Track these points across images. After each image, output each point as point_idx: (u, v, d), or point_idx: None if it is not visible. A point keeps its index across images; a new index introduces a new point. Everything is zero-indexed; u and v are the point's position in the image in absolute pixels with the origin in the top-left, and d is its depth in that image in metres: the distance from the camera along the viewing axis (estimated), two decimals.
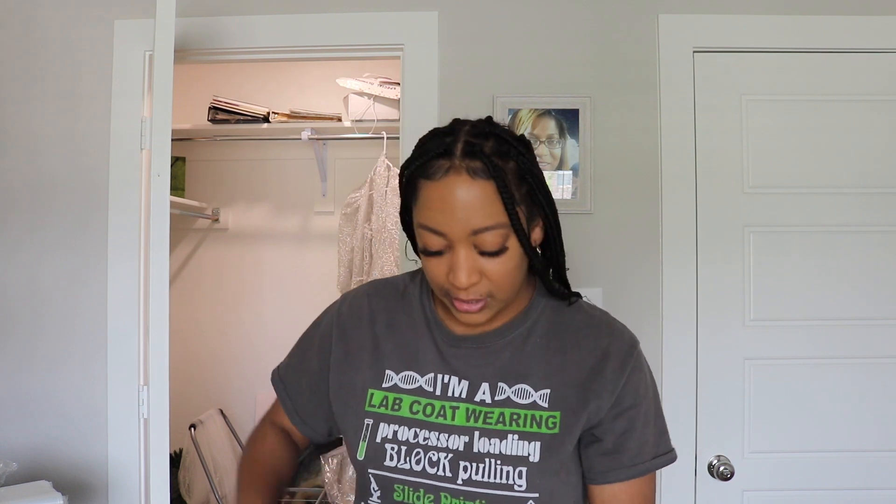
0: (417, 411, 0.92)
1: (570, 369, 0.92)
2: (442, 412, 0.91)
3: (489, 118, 0.92)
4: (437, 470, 0.88)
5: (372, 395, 0.95)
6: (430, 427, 0.91)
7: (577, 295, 1.01)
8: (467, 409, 0.91)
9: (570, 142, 1.72)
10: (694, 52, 1.73)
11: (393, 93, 2.71)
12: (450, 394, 0.92)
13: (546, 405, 0.90)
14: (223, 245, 3.13)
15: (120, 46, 1.76)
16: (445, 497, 0.88)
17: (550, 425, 0.89)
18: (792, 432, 1.70)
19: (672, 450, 0.96)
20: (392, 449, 0.91)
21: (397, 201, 2.28)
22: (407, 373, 0.95)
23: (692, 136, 1.72)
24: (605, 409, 0.90)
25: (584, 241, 1.72)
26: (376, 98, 2.75)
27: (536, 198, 0.88)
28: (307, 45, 1.78)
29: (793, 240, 1.72)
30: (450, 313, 0.96)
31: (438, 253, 0.86)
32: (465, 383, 0.93)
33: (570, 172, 1.73)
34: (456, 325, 0.96)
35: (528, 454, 0.87)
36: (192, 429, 2.70)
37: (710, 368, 1.71)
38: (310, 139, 2.81)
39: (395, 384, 0.95)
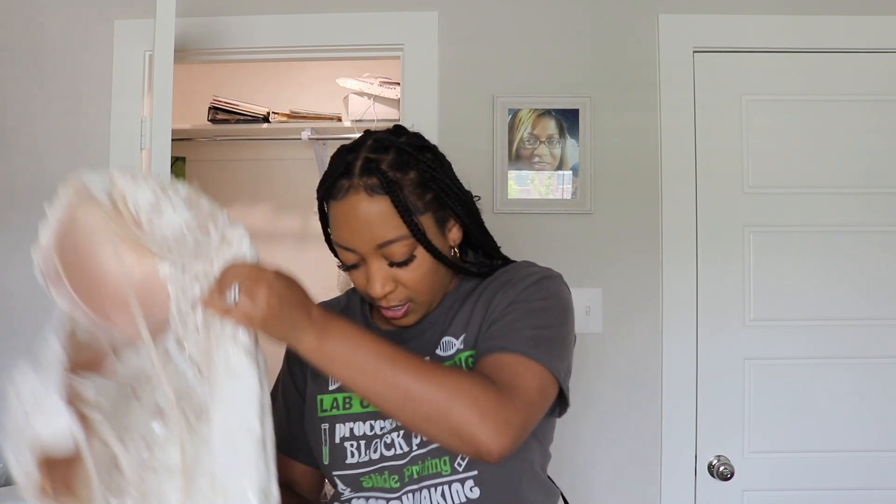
0: (367, 405, 0.93)
1: (479, 305, 0.94)
2: None
3: (397, 127, 0.97)
4: (395, 450, 0.91)
5: (321, 400, 0.98)
6: (382, 416, 0.92)
7: (507, 260, 1.02)
8: None
9: (570, 142, 1.72)
10: (694, 52, 1.73)
11: (393, 93, 2.70)
12: None
13: (463, 346, 0.93)
14: None
15: (120, 46, 1.76)
16: (408, 469, 0.90)
17: (470, 364, 0.91)
18: (792, 432, 1.70)
19: (551, 368, 0.87)
20: (352, 446, 0.93)
21: None
22: None
23: (692, 136, 1.72)
24: (495, 297, 0.92)
25: (584, 241, 1.72)
26: (376, 98, 2.75)
27: (444, 201, 0.91)
28: (307, 45, 1.78)
29: (793, 240, 1.72)
30: (381, 314, 0.98)
31: (355, 266, 0.91)
32: None
33: (570, 172, 1.73)
34: (386, 323, 0.99)
35: None
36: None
37: (710, 368, 1.71)
38: (310, 139, 2.81)
39: (339, 386, 0.97)
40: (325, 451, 0.96)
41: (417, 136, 0.96)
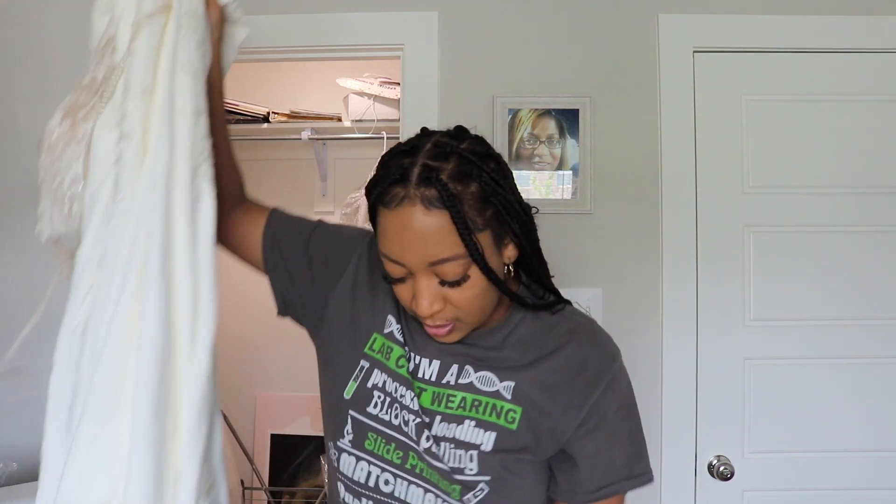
0: (402, 366, 0.92)
1: (541, 369, 0.90)
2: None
3: (458, 128, 0.88)
4: (409, 430, 0.89)
5: (375, 339, 0.95)
6: (408, 385, 0.91)
7: (565, 302, 0.96)
8: (433, 393, 0.91)
9: (570, 142, 1.72)
10: (694, 52, 1.73)
11: (393, 93, 2.70)
12: (419, 375, 0.92)
13: (509, 397, 0.89)
14: None
15: None
16: (412, 457, 0.89)
17: (510, 419, 0.88)
18: (792, 432, 1.71)
19: (647, 472, 0.91)
20: (378, 397, 0.92)
21: None
22: (398, 326, 0.95)
23: (692, 135, 1.72)
24: (573, 427, 0.88)
25: (584, 241, 1.73)
26: (376, 98, 2.75)
27: (504, 218, 0.83)
28: (307, 45, 1.78)
29: (793, 240, 1.72)
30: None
31: (401, 279, 0.85)
32: (436, 364, 0.93)
33: (570, 172, 1.73)
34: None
35: (482, 443, 0.87)
36: None
37: (710, 368, 1.71)
38: (310, 139, 2.81)
39: (392, 332, 0.95)
40: (352, 386, 0.93)
41: (481, 142, 0.87)
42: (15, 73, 1.77)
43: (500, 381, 0.90)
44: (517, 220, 0.85)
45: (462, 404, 0.89)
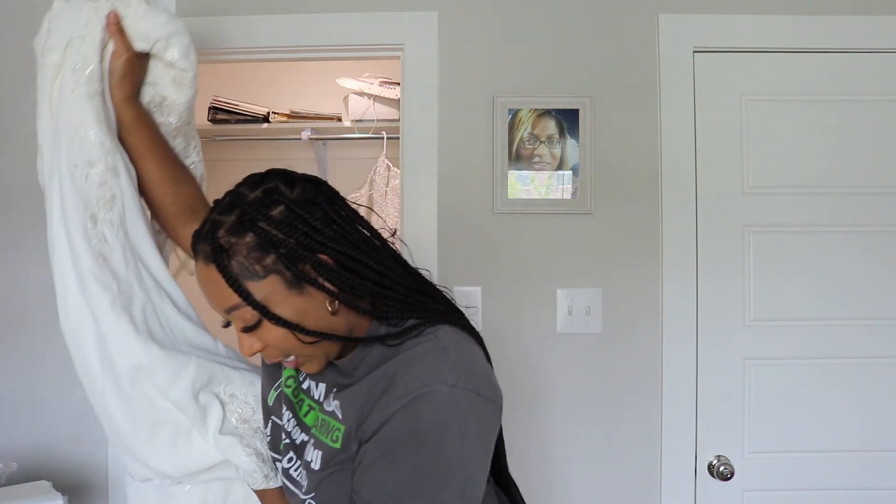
0: (290, 385, 1.02)
1: (362, 385, 0.89)
2: (298, 399, 1.02)
3: (270, 172, 0.89)
4: (280, 446, 1.01)
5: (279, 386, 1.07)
6: (287, 404, 1.01)
7: (423, 322, 0.90)
8: (315, 415, 0.97)
9: (570, 142, 1.72)
10: (694, 52, 1.73)
11: (393, 93, 2.70)
12: (311, 395, 0.99)
13: (340, 416, 0.90)
14: None
15: None
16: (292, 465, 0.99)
17: (334, 438, 0.90)
18: (792, 432, 1.71)
19: None
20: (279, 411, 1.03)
21: (398, 201, 2.28)
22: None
23: (692, 136, 1.72)
24: (368, 434, 0.85)
25: (584, 241, 1.73)
26: (376, 98, 2.75)
27: (294, 262, 0.83)
28: (307, 45, 1.78)
29: (793, 240, 1.72)
30: None
31: (228, 324, 0.91)
32: (322, 386, 0.98)
33: (570, 172, 1.72)
34: None
35: (312, 461, 0.92)
36: None
37: (710, 368, 1.71)
38: (310, 139, 2.81)
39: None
40: (273, 395, 1.05)
41: (273, 189, 0.86)
42: (5, 74, 1.77)
43: (334, 401, 0.92)
44: (310, 260, 0.84)
45: (316, 423, 0.95)
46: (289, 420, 0.99)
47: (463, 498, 0.83)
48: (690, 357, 1.70)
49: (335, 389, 0.94)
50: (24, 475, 1.62)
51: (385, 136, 2.76)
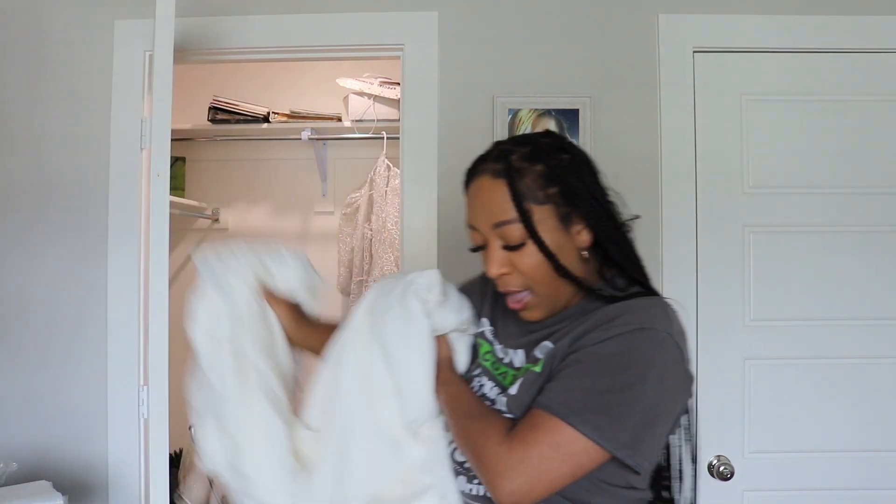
0: (487, 359, 1.05)
1: (576, 326, 0.93)
2: (500, 372, 1.02)
3: (547, 131, 1.05)
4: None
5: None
6: (488, 375, 1.03)
7: (648, 294, 0.97)
8: (512, 376, 0.99)
9: None
10: (694, 52, 1.73)
11: (393, 93, 2.70)
12: (507, 362, 1.02)
13: (547, 350, 0.95)
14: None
15: (120, 46, 1.76)
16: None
17: (539, 368, 0.94)
18: (792, 432, 1.70)
19: (613, 439, 0.84)
20: (473, 382, 1.05)
21: (397, 201, 2.28)
22: (491, 328, 1.09)
23: (692, 135, 1.72)
24: (579, 348, 0.90)
25: None
26: (376, 98, 2.75)
27: (572, 200, 0.93)
28: (307, 45, 1.78)
29: (793, 240, 1.72)
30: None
31: (481, 248, 0.97)
32: (521, 352, 1.00)
33: None
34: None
35: (513, 392, 0.95)
36: (192, 429, 2.70)
37: (710, 368, 1.71)
38: (310, 139, 2.81)
39: (483, 332, 1.09)
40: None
41: (561, 139, 1.01)
42: (7, 73, 1.77)
43: (538, 349, 0.96)
44: (585, 205, 0.94)
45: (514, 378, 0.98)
46: (492, 388, 1.00)
47: (636, 437, 0.85)
48: (690, 357, 1.70)
49: (539, 342, 0.96)
50: (24, 475, 1.62)
51: (385, 136, 2.76)
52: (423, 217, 1.73)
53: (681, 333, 0.91)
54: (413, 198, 1.74)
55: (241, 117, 2.84)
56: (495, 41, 1.75)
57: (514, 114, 1.72)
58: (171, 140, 1.52)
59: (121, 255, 1.73)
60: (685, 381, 0.92)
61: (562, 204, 0.93)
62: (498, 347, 1.05)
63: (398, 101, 2.47)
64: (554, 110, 1.73)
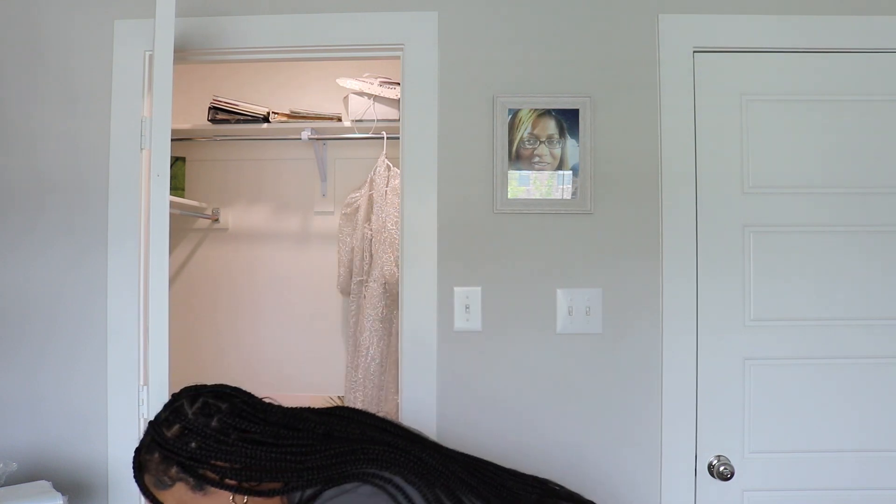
0: None
1: None
2: None
3: (178, 393, 1.11)
4: None
5: None
6: None
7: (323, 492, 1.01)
8: None
9: (570, 142, 1.72)
10: (694, 51, 1.73)
11: (393, 93, 2.71)
12: None
13: None
14: (223, 245, 3.12)
15: (120, 46, 1.76)
16: None
17: None
18: (792, 432, 1.71)
19: None
20: None
21: (398, 201, 2.28)
22: None
23: (692, 135, 1.72)
24: None
25: (584, 241, 1.73)
26: (376, 98, 2.75)
27: (194, 465, 1.01)
28: (307, 45, 1.78)
29: (793, 240, 1.72)
30: None
31: None
32: None
33: (570, 172, 1.72)
34: None
35: None
36: None
37: (710, 368, 1.71)
38: (310, 139, 2.81)
39: None
40: None
41: (185, 399, 1.08)
42: (6, 73, 1.77)
43: None
44: (206, 467, 1.01)
45: None
46: None
47: None
48: (690, 357, 1.70)
49: None
50: (24, 475, 1.62)
51: (385, 136, 2.76)
52: (423, 217, 1.73)
53: None
54: (413, 198, 1.74)
55: (241, 117, 2.85)
56: (495, 41, 1.75)
57: (514, 114, 1.72)
58: (171, 140, 1.52)
59: (121, 255, 1.73)
60: None
61: (189, 475, 1.01)
62: None
63: (398, 101, 2.47)
64: (554, 110, 1.73)
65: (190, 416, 1.04)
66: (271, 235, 3.11)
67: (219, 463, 1.00)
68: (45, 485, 1.50)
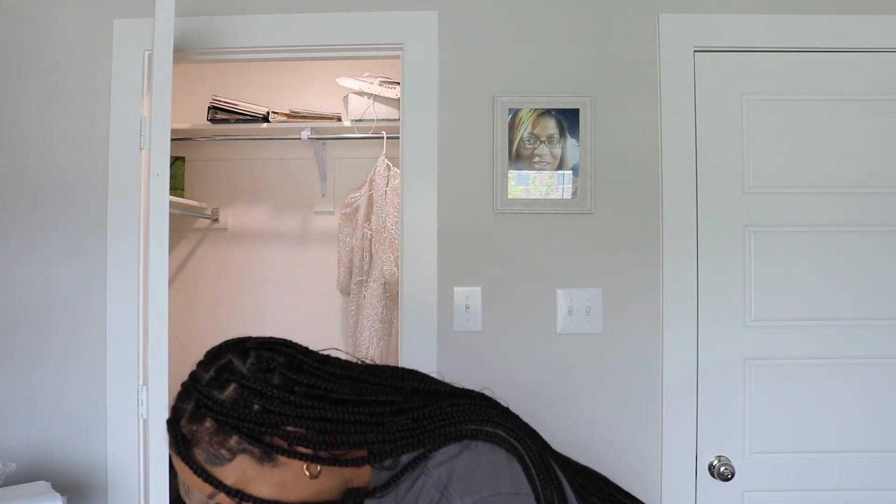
0: None
1: None
2: None
3: (220, 347, 0.88)
4: None
5: None
6: None
7: (421, 461, 0.85)
8: None
9: (570, 141, 1.72)
10: (694, 51, 1.73)
11: (393, 92, 2.70)
12: None
13: None
14: (223, 245, 3.12)
15: (119, 46, 1.76)
16: None
17: None
18: (792, 432, 1.70)
19: None
20: None
21: (397, 201, 2.28)
22: None
23: (692, 135, 1.72)
24: None
25: (584, 241, 1.72)
26: (376, 98, 2.75)
27: (262, 431, 0.81)
28: (307, 45, 1.78)
29: (793, 240, 1.72)
30: None
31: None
32: None
33: (570, 172, 1.72)
34: None
35: None
36: None
37: (710, 368, 1.71)
38: (310, 139, 2.81)
39: None
40: None
41: (232, 354, 0.86)
42: (5, 73, 1.77)
43: None
44: (275, 433, 0.81)
45: None
46: None
47: None
48: (691, 357, 1.70)
49: None
50: (24, 475, 1.62)
51: (385, 135, 2.76)
52: (423, 217, 1.73)
53: (472, 493, 0.79)
54: (413, 198, 1.74)
55: (241, 117, 2.84)
56: (495, 41, 1.75)
57: (515, 113, 1.72)
58: (171, 140, 1.52)
59: (120, 255, 1.73)
60: None
61: (253, 445, 0.81)
62: None
63: (398, 100, 2.47)
64: (554, 110, 1.73)
65: (246, 372, 0.83)
66: (271, 235, 3.11)
67: (290, 428, 0.81)
68: (44, 485, 1.50)
